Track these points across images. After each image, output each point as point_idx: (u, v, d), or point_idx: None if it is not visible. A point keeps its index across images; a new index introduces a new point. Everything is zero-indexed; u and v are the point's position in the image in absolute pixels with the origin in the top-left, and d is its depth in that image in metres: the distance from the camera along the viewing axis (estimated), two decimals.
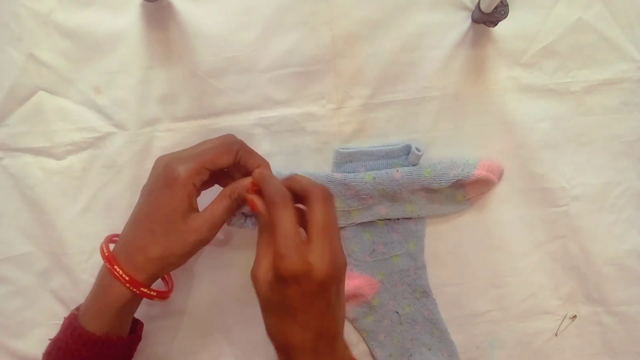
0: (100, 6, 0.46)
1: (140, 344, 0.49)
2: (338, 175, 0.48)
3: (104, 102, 0.47)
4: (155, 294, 0.41)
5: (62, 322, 0.43)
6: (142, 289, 0.40)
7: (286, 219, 0.36)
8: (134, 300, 0.42)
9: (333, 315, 0.38)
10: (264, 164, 0.43)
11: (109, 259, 0.40)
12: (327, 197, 0.39)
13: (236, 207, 0.42)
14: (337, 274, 0.37)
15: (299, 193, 0.39)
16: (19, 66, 0.46)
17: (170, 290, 0.46)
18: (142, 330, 0.46)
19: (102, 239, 0.49)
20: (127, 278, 0.39)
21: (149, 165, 0.49)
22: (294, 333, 0.37)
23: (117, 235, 0.43)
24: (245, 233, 0.50)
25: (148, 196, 0.40)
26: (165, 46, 0.47)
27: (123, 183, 0.49)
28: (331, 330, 0.38)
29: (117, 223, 0.49)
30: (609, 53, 0.50)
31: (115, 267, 0.39)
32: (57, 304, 0.50)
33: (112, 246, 0.42)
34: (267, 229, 0.38)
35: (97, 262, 0.49)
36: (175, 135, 0.48)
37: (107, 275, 0.40)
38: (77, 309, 0.42)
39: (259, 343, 0.52)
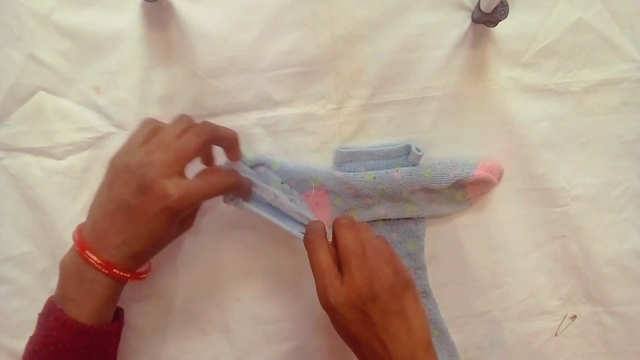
0: (100, 6, 0.46)
1: (140, 343, 0.50)
2: (339, 174, 0.48)
3: (104, 102, 0.47)
4: (144, 276, 0.43)
5: (40, 316, 0.42)
6: (120, 272, 0.40)
7: (320, 256, 0.40)
8: (121, 287, 0.42)
9: (407, 326, 0.39)
10: (233, 138, 0.43)
11: (102, 265, 0.40)
12: (346, 223, 0.42)
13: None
14: (378, 289, 0.38)
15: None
16: (19, 66, 0.46)
17: (149, 270, 0.45)
18: (123, 316, 0.46)
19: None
20: (124, 274, 0.40)
21: None
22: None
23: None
24: (245, 233, 0.50)
25: (148, 219, 0.39)
26: (165, 46, 0.47)
27: None
28: (419, 340, 0.39)
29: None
30: (609, 53, 0.50)
31: (95, 257, 0.39)
32: None
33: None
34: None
35: None
36: None
37: (88, 267, 0.40)
38: (52, 301, 0.41)
39: (259, 343, 0.52)
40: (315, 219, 0.45)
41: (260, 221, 0.50)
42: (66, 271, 0.41)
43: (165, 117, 0.48)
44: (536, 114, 0.50)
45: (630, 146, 0.51)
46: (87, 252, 0.39)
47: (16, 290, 0.50)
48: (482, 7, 0.45)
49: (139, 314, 0.49)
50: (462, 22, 0.48)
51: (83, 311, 0.40)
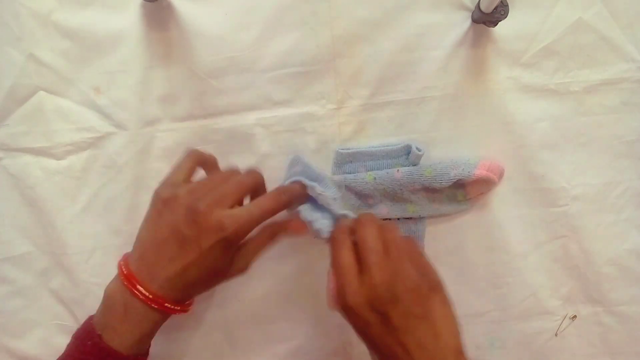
0: (100, 6, 0.46)
1: None
2: (337, 177, 0.48)
3: (104, 102, 0.47)
4: (190, 308, 0.42)
5: (76, 337, 0.41)
6: (172, 306, 0.40)
7: (342, 253, 0.38)
8: (166, 319, 0.41)
9: (434, 332, 0.37)
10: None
11: (155, 300, 0.39)
12: (367, 219, 0.40)
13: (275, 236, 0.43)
14: (400, 290, 0.36)
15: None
16: (19, 66, 0.46)
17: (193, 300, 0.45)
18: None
19: (101, 239, 0.49)
20: (174, 307, 0.40)
21: (149, 165, 0.49)
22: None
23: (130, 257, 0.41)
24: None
25: (201, 250, 0.38)
26: (165, 46, 0.47)
27: (123, 183, 0.49)
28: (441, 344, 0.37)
29: (117, 223, 0.49)
30: (609, 53, 0.50)
31: (144, 292, 0.38)
32: (57, 304, 0.50)
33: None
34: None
35: (97, 262, 0.49)
36: (175, 135, 0.48)
37: (136, 300, 0.38)
38: (91, 324, 0.40)
39: (259, 343, 0.52)
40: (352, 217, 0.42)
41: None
42: (111, 300, 0.39)
43: (165, 117, 0.48)
44: (536, 114, 0.50)
45: (630, 146, 0.51)
46: (138, 286, 0.38)
47: (16, 290, 0.50)
48: (482, 7, 0.45)
49: None
50: (462, 22, 0.48)
51: (124, 342, 0.39)
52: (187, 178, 0.41)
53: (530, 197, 0.52)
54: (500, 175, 0.51)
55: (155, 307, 0.38)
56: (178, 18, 0.47)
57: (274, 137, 0.49)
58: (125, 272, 0.39)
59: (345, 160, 0.49)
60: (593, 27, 0.49)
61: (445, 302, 0.38)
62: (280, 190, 0.42)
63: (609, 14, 0.49)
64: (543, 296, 0.53)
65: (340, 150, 0.49)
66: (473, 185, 0.50)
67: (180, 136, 0.48)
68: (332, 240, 0.40)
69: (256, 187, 0.42)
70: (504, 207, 0.52)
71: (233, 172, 0.42)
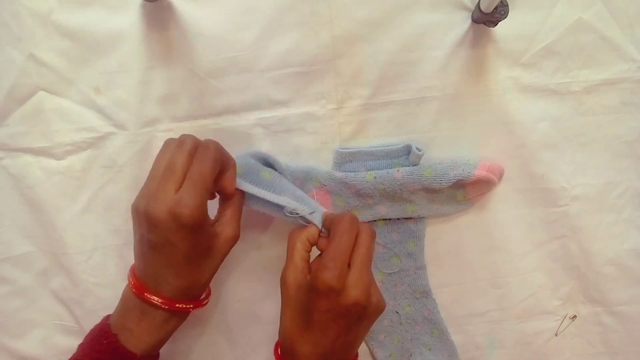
0: (100, 6, 0.46)
1: None
2: (339, 174, 0.48)
3: (104, 102, 0.47)
4: (206, 302, 0.44)
5: (92, 336, 0.41)
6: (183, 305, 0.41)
7: (348, 239, 0.39)
8: (182, 319, 0.43)
9: (347, 344, 0.40)
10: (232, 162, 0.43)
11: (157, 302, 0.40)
12: (374, 234, 0.41)
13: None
14: (366, 305, 0.38)
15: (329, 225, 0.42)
16: (19, 66, 0.46)
17: (209, 294, 0.46)
18: None
19: (101, 239, 0.49)
20: (188, 306, 0.41)
21: (149, 165, 0.48)
22: (303, 344, 0.39)
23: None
24: (245, 233, 0.50)
25: (175, 246, 0.38)
26: (165, 46, 0.47)
27: (123, 183, 0.49)
28: (339, 355, 0.40)
29: (117, 223, 0.49)
30: (609, 53, 0.50)
31: (155, 297, 0.40)
32: (57, 304, 0.50)
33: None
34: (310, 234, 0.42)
35: (97, 262, 0.49)
36: (175, 135, 0.48)
37: (151, 307, 0.40)
38: (107, 324, 0.41)
39: (259, 343, 0.52)
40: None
41: (260, 220, 0.50)
42: (129, 302, 0.41)
43: (165, 117, 0.48)
44: (536, 114, 0.50)
45: (630, 146, 0.51)
46: (146, 294, 0.39)
47: (16, 290, 0.50)
48: (482, 7, 0.45)
49: None
50: (462, 22, 0.48)
51: (140, 344, 0.40)
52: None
53: (530, 197, 0.52)
54: (500, 175, 0.51)
55: (171, 309, 0.40)
56: (178, 18, 0.47)
57: (274, 137, 0.49)
58: (133, 282, 0.40)
59: (346, 159, 0.49)
60: (593, 27, 0.49)
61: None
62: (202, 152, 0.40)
63: (609, 14, 0.49)
64: (543, 296, 0.53)
65: (340, 150, 0.49)
66: (473, 185, 0.50)
67: None
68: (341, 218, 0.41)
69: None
70: (504, 207, 0.52)
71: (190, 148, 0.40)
